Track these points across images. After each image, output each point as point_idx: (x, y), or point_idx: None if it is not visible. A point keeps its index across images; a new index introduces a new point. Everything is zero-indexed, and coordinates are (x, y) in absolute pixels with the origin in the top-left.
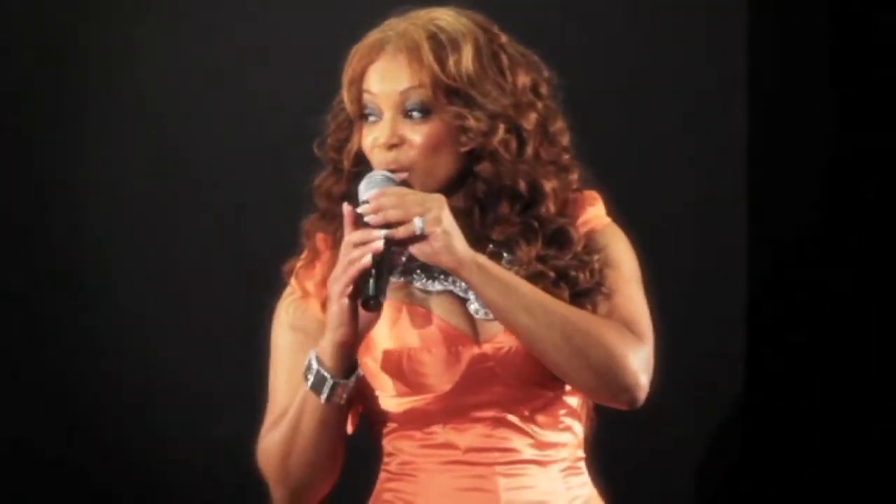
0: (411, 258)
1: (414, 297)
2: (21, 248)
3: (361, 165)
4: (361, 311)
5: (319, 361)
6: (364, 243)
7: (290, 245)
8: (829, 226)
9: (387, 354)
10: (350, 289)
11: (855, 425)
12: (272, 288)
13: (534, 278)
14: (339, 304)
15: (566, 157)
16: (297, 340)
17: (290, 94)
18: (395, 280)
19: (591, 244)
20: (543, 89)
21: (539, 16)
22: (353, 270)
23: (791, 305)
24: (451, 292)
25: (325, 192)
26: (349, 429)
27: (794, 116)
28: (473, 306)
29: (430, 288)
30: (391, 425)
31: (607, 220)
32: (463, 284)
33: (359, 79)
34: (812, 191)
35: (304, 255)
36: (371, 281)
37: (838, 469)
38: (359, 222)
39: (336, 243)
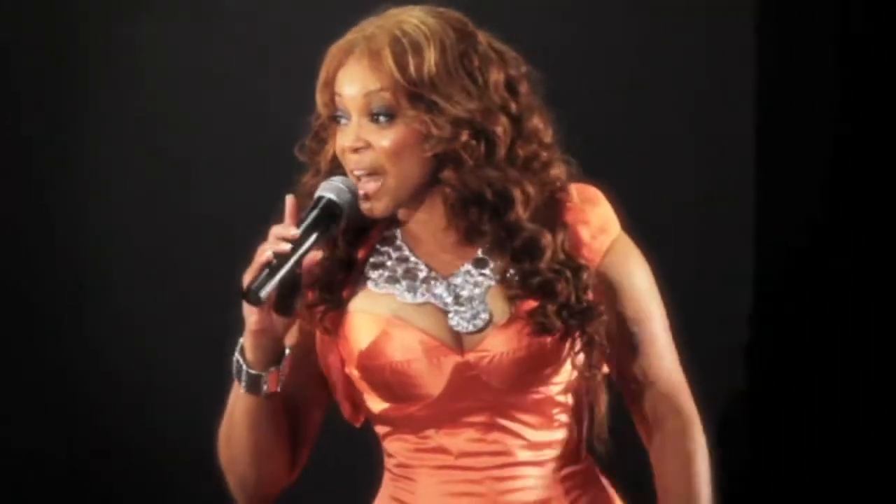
0: (394, 268)
1: (396, 309)
2: (21, 248)
3: (341, 168)
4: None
5: (241, 350)
6: (280, 239)
7: None
8: (835, 222)
9: (370, 366)
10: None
11: (859, 422)
12: None
13: (511, 290)
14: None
15: (545, 154)
16: None
17: (291, 94)
18: (377, 291)
19: (608, 271)
20: (521, 86)
21: (540, 14)
22: (257, 263)
23: (797, 303)
24: (432, 304)
25: (308, 192)
26: (357, 423)
27: (801, 112)
28: (454, 320)
29: (412, 300)
30: (386, 428)
31: (617, 230)
32: (444, 297)
33: (331, 82)
34: (818, 187)
35: None
36: (261, 275)
37: (843, 466)
38: (297, 217)
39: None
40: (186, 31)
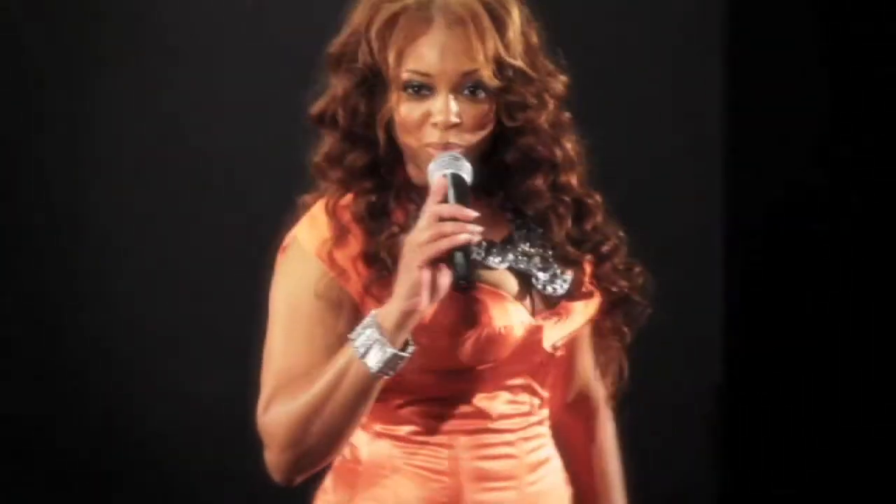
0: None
1: (483, 276)
2: (22, 247)
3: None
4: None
5: (380, 329)
6: (456, 220)
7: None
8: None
9: (454, 333)
10: (434, 261)
11: (841, 410)
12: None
13: (569, 254)
14: (417, 273)
15: (567, 115)
16: (321, 309)
17: (292, 94)
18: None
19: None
20: (545, 48)
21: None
22: (445, 244)
23: (770, 291)
24: (512, 268)
25: (348, 165)
26: None
27: (777, 95)
28: (548, 288)
29: (494, 265)
30: (408, 396)
31: None
32: (526, 260)
33: (403, 51)
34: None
35: (331, 233)
36: (464, 261)
37: (825, 460)
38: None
39: (357, 217)
40: (192, 28)
